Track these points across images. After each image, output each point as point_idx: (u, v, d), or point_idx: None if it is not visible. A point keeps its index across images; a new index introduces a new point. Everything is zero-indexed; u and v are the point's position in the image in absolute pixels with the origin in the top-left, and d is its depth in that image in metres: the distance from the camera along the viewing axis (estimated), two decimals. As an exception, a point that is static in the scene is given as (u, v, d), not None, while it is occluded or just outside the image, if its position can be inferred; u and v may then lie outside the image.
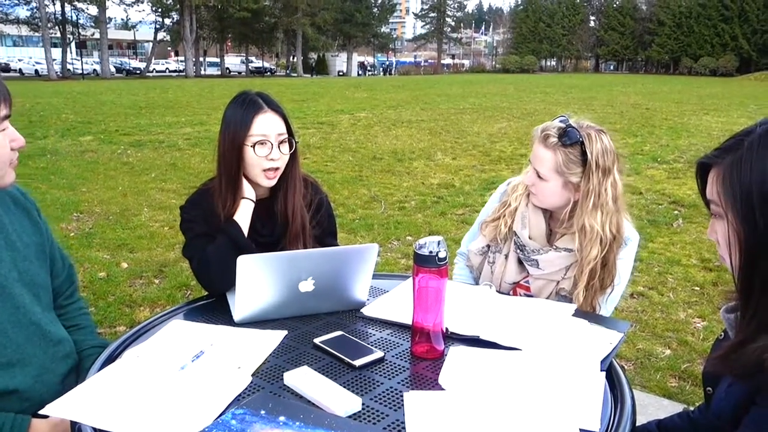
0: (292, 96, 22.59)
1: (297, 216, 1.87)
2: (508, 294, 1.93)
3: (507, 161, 9.20)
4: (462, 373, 1.30)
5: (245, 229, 1.79)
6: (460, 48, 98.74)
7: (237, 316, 1.57)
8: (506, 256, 1.97)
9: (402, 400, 1.20)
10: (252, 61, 65.93)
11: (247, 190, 1.81)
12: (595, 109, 18.00)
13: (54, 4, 46.40)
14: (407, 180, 7.92)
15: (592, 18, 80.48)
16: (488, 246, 2.02)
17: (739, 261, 0.99)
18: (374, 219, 5.98)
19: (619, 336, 1.48)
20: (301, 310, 1.61)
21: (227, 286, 1.71)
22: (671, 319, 3.75)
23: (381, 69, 75.76)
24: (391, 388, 1.26)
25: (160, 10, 53.57)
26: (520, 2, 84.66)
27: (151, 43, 59.62)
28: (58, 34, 47.72)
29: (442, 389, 1.25)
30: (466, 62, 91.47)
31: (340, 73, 63.19)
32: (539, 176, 1.81)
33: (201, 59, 59.62)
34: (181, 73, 53.50)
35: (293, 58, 63.59)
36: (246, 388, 1.24)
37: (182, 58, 55.18)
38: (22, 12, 46.35)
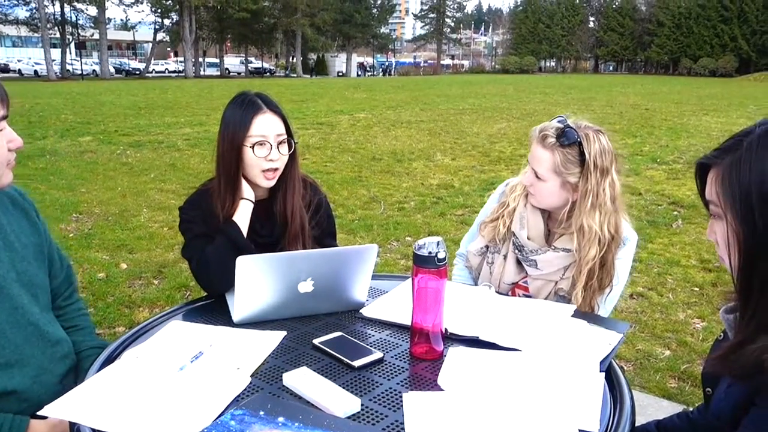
0: (292, 96, 22.59)
1: (296, 217, 1.86)
2: (507, 294, 1.93)
3: (506, 162, 9.20)
4: (461, 374, 1.30)
5: (244, 230, 1.79)
6: (459, 49, 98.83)
7: (236, 316, 1.56)
8: (505, 257, 1.97)
9: (401, 401, 1.20)
10: (251, 62, 65.96)
11: (246, 190, 1.81)
12: (595, 109, 18.01)
13: (53, 5, 46.43)
14: (406, 180, 7.92)
15: (592, 19, 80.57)
16: (487, 246, 2.03)
17: (738, 261, 0.99)
18: (373, 219, 5.98)
19: (618, 337, 1.48)
20: (301, 311, 1.61)
21: (226, 287, 1.71)
22: (671, 320, 3.75)
23: (380, 70, 75.78)
24: (391, 388, 1.26)
25: (159, 10, 53.59)
26: (519, 3, 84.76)
27: (150, 44, 59.63)
28: (58, 35, 47.74)
29: (442, 390, 1.25)
30: (466, 63, 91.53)
31: (340, 74, 63.22)
32: (537, 176, 1.81)
33: (200, 60, 59.67)
34: (180, 74, 53.51)
35: (292, 59, 63.61)
36: (245, 389, 1.24)
37: (182, 59, 55.20)
38: (22, 12, 46.44)
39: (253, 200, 1.82)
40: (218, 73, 59.09)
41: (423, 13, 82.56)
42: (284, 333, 1.51)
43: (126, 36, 74.07)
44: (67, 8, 46.64)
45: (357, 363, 1.34)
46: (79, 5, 46.79)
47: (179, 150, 10.14)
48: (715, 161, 1.00)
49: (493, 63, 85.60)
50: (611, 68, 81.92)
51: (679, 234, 5.52)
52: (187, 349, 1.40)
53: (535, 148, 1.81)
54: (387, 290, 1.81)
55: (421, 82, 41.33)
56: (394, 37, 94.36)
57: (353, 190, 7.30)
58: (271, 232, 1.88)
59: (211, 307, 1.72)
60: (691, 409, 1.48)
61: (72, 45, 51.12)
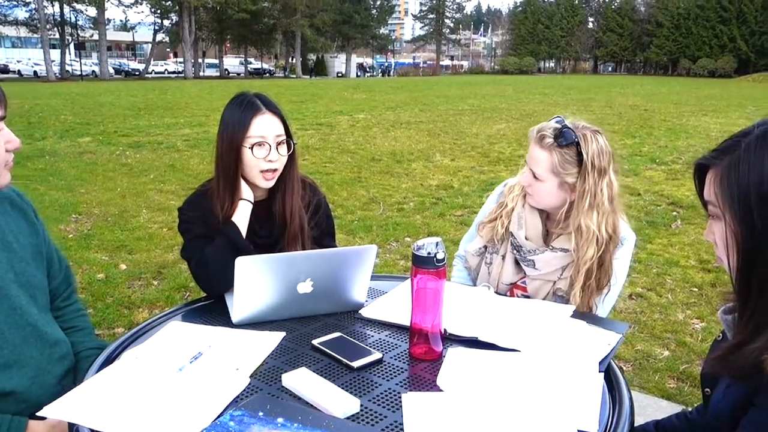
0: (291, 97, 22.60)
1: (295, 217, 1.87)
2: (506, 295, 1.93)
3: (506, 162, 9.20)
4: (460, 375, 1.30)
5: (243, 231, 1.79)
6: (458, 49, 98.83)
7: (235, 317, 1.56)
8: (503, 257, 1.97)
9: (400, 402, 1.20)
10: (251, 63, 65.99)
11: (245, 191, 1.81)
12: (594, 110, 18.03)
13: (53, 6, 46.42)
14: (406, 181, 7.92)
15: (591, 19, 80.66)
16: (485, 247, 2.03)
17: (737, 262, 0.99)
18: (373, 220, 5.98)
19: (617, 337, 1.48)
20: (300, 312, 1.61)
21: (226, 288, 1.71)
22: (670, 320, 3.75)
23: (379, 70, 75.77)
24: (390, 389, 1.26)
25: (158, 11, 53.59)
26: (518, 4, 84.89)
27: (149, 45, 59.60)
28: (57, 36, 47.71)
29: (441, 390, 1.25)
30: (465, 63, 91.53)
31: (339, 75, 63.23)
32: (535, 177, 1.81)
33: (200, 60, 59.67)
34: (179, 75, 53.52)
35: (292, 60, 63.61)
36: (244, 390, 1.24)
37: (181, 60, 55.22)
38: (21, 13, 46.47)
39: (252, 201, 1.82)
40: (218, 73, 59.10)
41: (422, 13, 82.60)
42: (283, 334, 1.51)
43: (125, 37, 74.05)
44: (66, 9, 46.66)
45: (356, 364, 1.34)
46: (78, 6, 46.83)
47: (178, 151, 10.14)
48: (713, 162, 1.01)
49: (493, 64, 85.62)
50: (610, 69, 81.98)
51: (678, 234, 5.53)
52: (186, 349, 1.40)
53: (532, 149, 1.81)
54: (386, 291, 1.81)
55: (420, 82, 41.35)
56: (393, 37, 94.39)
57: (352, 190, 7.30)
58: (270, 233, 1.88)
59: (211, 307, 1.72)
60: (689, 409, 1.48)
61: (71, 46, 51.13)
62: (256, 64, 68.06)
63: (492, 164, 9.15)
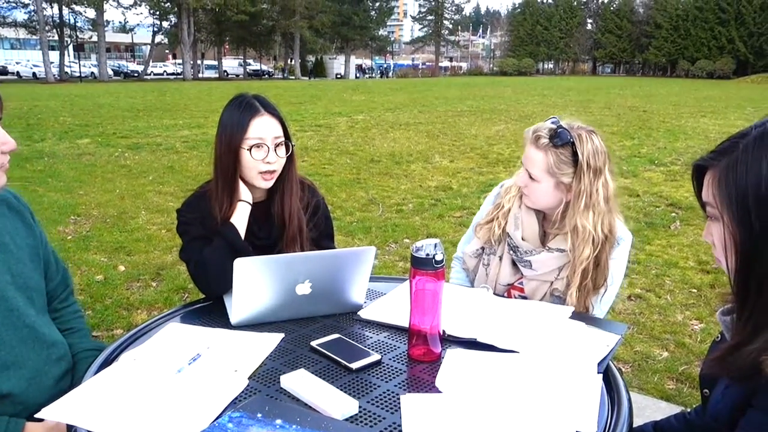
0: (290, 99, 22.60)
1: (294, 218, 1.87)
2: (503, 296, 1.94)
3: (505, 163, 9.21)
4: (459, 376, 1.30)
5: (242, 232, 1.79)
6: (457, 51, 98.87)
7: (234, 318, 1.56)
8: (500, 258, 1.98)
9: (399, 403, 1.20)
10: (250, 64, 65.98)
11: (244, 192, 1.81)
12: (593, 111, 18.04)
13: (51, 7, 46.39)
14: (405, 182, 7.92)
15: (590, 21, 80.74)
16: (483, 248, 2.03)
17: (735, 263, 0.99)
18: (372, 221, 5.98)
19: (616, 338, 1.48)
20: (298, 313, 1.61)
21: (224, 289, 1.71)
22: (669, 322, 3.75)
23: (378, 71, 75.78)
24: (388, 390, 1.26)
25: (157, 13, 53.58)
26: (517, 5, 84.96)
27: (148, 46, 59.60)
28: (56, 37, 47.68)
29: (439, 392, 1.25)
30: (464, 65, 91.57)
31: (338, 76, 63.22)
32: (531, 177, 1.82)
33: (199, 62, 59.66)
34: (178, 76, 53.49)
35: (291, 61, 63.60)
36: (243, 391, 1.24)
37: (180, 61, 55.15)
38: (20, 15, 46.43)
39: (251, 202, 1.82)
40: (216, 75, 59.13)
41: (421, 15, 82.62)
42: (282, 335, 1.51)
43: (124, 38, 74.06)
44: (65, 10, 46.63)
45: (355, 365, 1.34)
46: (77, 8, 46.79)
47: (177, 152, 10.14)
48: (711, 163, 1.01)
49: (492, 65, 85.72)
50: (609, 70, 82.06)
51: (677, 236, 5.53)
52: (184, 351, 1.40)
53: (528, 149, 1.82)
54: (385, 292, 1.81)
55: (419, 84, 41.36)
56: (392, 39, 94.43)
57: (351, 192, 7.30)
58: (268, 234, 1.88)
59: (209, 309, 1.72)
60: (688, 410, 1.48)
61: (70, 47, 51.19)
62: (255, 65, 68.04)
63: (491, 165, 9.16)
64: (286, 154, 1.83)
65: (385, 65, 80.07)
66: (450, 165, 9.19)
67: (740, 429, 1.07)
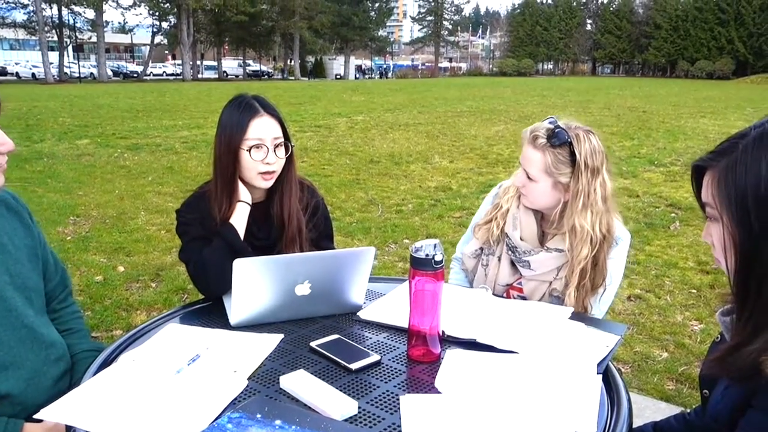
0: (290, 99, 22.61)
1: (293, 219, 1.87)
2: (502, 296, 1.94)
3: (504, 164, 9.21)
4: (458, 377, 1.30)
5: (241, 233, 1.79)
6: (457, 51, 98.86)
7: (233, 319, 1.56)
8: (499, 259, 1.98)
9: (398, 404, 1.20)
10: (249, 65, 65.96)
11: (243, 193, 1.81)
12: (592, 112, 18.05)
13: (51, 8, 46.36)
14: (404, 183, 7.92)
15: (589, 21, 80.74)
16: (481, 249, 2.03)
17: (735, 264, 0.99)
18: (371, 222, 5.98)
19: (615, 339, 1.48)
20: (298, 314, 1.61)
21: (224, 290, 1.71)
22: (668, 322, 3.75)
23: (378, 72, 75.77)
24: (388, 391, 1.26)
25: (157, 13, 53.57)
26: (516, 6, 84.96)
27: (148, 47, 59.61)
28: (55, 38, 47.66)
29: (439, 393, 1.25)
30: (464, 65, 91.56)
31: (338, 77, 63.22)
32: (529, 177, 1.82)
33: (198, 63, 59.65)
34: (178, 77, 53.48)
35: (290, 62, 63.60)
36: (242, 392, 1.24)
37: (179, 62, 55.12)
38: (19, 16, 46.38)
39: (250, 203, 1.82)
40: (216, 75, 59.11)
41: (421, 15, 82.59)
42: (281, 336, 1.51)
43: (124, 39, 74.05)
44: (64, 11, 46.60)
45: (354, 366, 1.34)
46: (76, 8, 46.77)
47: (177, 153, 10.14)
48: (710, 163, 1.01)
49: (491, 66, 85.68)
50: (608, 71, 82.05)
51: (676, 236, 5.53)
52: (184, 352, 1.40)
53: (526, 149, 1.82)
54: (384, 293, 1.81)
55: (419, 84, 41.37)
56: (392, 39, 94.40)
57: (351, 192, 7.30)
58: (268, 235, 1.88)
59: (209, 310, 1.72)
60: (688, 411, 1.48)
61: (70, 48, 51.15)
62: (254, 66, 68.02)
63: (490, 166, 9.16)
64: (286, 154, 1.83)
65: (384, 66, 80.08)
66: (449, 165, 9.19)
67: (740, 429, 1.07)
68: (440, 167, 9.03)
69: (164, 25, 56.08)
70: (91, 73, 50.69)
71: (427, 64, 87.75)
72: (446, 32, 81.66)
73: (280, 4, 54.65)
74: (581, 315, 1.72)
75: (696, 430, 1.37)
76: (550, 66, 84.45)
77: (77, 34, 49.22)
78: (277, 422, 1.09)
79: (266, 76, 64.78)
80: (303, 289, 1.56)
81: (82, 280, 4.31)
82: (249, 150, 1.75)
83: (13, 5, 44.91)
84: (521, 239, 1.91)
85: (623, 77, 68.17)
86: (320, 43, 62.24)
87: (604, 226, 1.79)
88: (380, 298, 1.77)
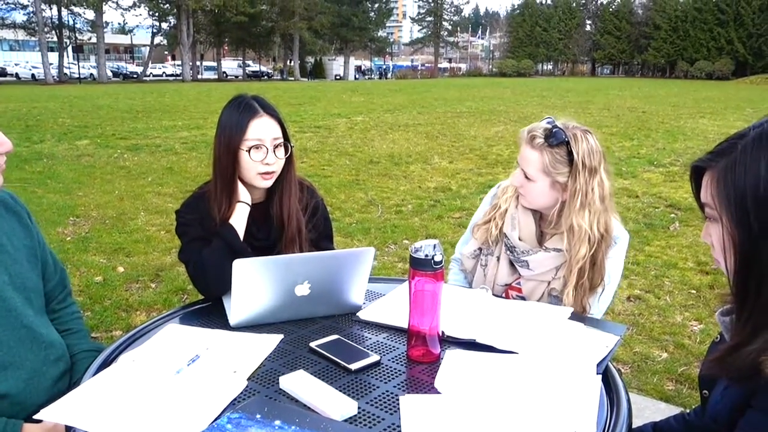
0: (289, 100, 22.61)
1: (293, 219, 1.87)
2: (501, 296, 1.94)
3: (504, 165, 9.21)
4: (458, 377, 1.30)
5: (241, 233, 1.79)
6: (457, 52, 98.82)
7: (233, 320, 1.56)
8: (498, 259, 1.98)
9: (398, 404, 1.20)
10: (249, 65, 65.95)
11: (243, 193, 1.81)
12: (592, 112, 18.05)
13: (50, 9, 46.35)
14: (404, 184, 7.92)
15: (589, 22, 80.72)
16: (480, 249, 2.03)
17: (734, 264, 0.99)
18: (371, 223, 5.98)
19: (615, 339, 1.48)
20: (297, 314, 1.61)
21: (223, 290, 1.71)
22: (668, 323, 3.75)
23: (377, 73, 75.75)
24: (387, 391, 1.26)
25: (157, 14, 53.55)
26: (516, 6, 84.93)
27: (148, 48, 59.61)
28: (55, 39, 47.65)
29: (438, 393, 1.25)
30: (463, 66, 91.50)
31: (337, 77, 63.21)
32: (527, 177, 1.82)
33: (198, 63, 59.64)
34: (178, 77, 53.48)
35: (290, 62, 63.58)
36: (242, 392, 1.24)
37: (179, 62, 55.09)
38: (19, 16, 46.36)
39: (250, 203, 1.82)
40: (216, 76, 59.09)
41: (420, 16, 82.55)
42: (281, 336, 1.51)
43: (123, 40, 74.08)
44: (64, 12, 46.58)
45: (354, 366, 1.34)
46: (76, 9, 46.75)
47: (176, 153, 10.14)
48: (709, 164, 1.01)
49: (491, 66, 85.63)
50: (608, 71, 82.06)
51: (676, 236, 5.53)
52: (183, 352, 1.40)
53: (524, 149, 1.83)
54: (384, 293, 1.81)
55: (418, 85, 41.37)
56: (391, 40, 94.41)
57: (351, 193, 7.30)
58: (267, 235, 1.88)
59: (208, 310, 1.72)
60: (688, 411, 1.48)
61: (69, 49, 51.12)
62: (254, 66, 67.98)
63: (490, 166, 9.16)
64: (285, 155, 1.83)
65: (384, 66, 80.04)
66: (449, 166, 9.19)
67: (739, 430, 1.07)
68: (440, 168, 9.04)
69: (164, 25, 56.06)
70: (91, 74, 50.66)
71: (426, 64, 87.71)
72: (446, 33, 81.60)
73: (280, 5, 54.65)
74: (581, 315, 1.72)
75: (695, 430, 1.37)
76: (550, 67, 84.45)
77: (77, 34, 49.20)
78: (277, 422, 1.09)
79: (266, 77, 64.73)
80: (303, 290, 1.56)
81: (82, 281, 4.31)
82: (248, 150, 1.75)
83: (13, 6, 44.92)
84: (520, 239, 1.91)
85: (623, 78, 68.18)
86: (320, 43, 62.19)
87: (602, 226, 1.79)
88: (380, 298, 1.77)
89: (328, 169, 8.82)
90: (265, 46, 62.09)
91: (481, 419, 1.14)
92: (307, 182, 2.02)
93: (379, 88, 34.42)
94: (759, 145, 0.94)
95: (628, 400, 1.25)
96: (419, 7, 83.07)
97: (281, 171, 1.84)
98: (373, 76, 73.42)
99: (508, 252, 1.95)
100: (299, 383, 1.25)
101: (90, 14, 47.78)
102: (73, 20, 48.10)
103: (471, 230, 2.09)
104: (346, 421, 1.15)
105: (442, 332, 1.43)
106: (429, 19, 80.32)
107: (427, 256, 1.30)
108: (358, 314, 1.65)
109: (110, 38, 66.89)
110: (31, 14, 44.91)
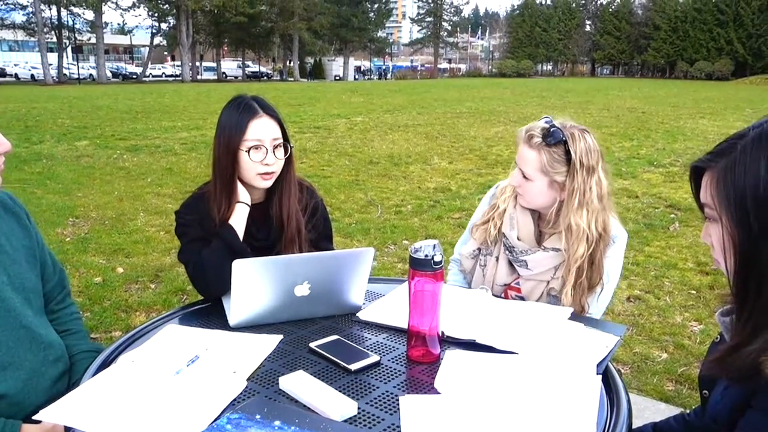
0: (289, 100, 22.61)
1: (292, 220, 1.87)
2: (500, 296, 1.94)
3: (503, 165, 9.20)
4: (458, 377, 1.30)
5: (240, 233, 1.79)
6: (456, 52, 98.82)
7: (232, 320, 1.56)
8: (497, 259, 1.98)
9: (398, 404, 1.20)
10: (248, 66, 65.95)
11: (242, 194, 1.81)
12: (592, 113, 18.05)
13: (50, 9, 46.34)
14: (404, 184, 7.92)
15: (588, 22, 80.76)
16: (479, 249, 2.03)
17: (734, 264, 0.98)
18: (371, 223, 5.98)
19: (615, 340, 1.48)
20: (297, 315, 1.61)
21: (223, 291, 1.71)
22: (668, 323, 3.75)
23: (377, 73, 75.74)
24: (387, 392, 1.25)
25: (156, 14, 53.56)
26: (516, 7, 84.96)
27: (147, 48, 59.63)
28: (54, 39, 47.65)
29: (438, 393, 1.25)
30: (463, 66, 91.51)
31: (337, 78, 63.21)
32: (525, 177, 1.83)
33: (197, 64, 59.63)
34: (177, 78, 53.48)
35: (290, 63, 63.58)
36: (241, 393, 1.24)
37: (179, 63, 55.12)
38: (18, 17, 46.36)
39: (249, 204, 1.82)
40: (215, 77, 59.08)
41: (420, 17, 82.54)
42: (281, 336, 1.50)
43: (123, 40, 74.07)
44: (63, 12, 46.57)
45: (353, 366, 1.34)
46: (75, 9, 46.75)
47: (176, 154, 10.14)
48: (709, 164, 1.01)
49: (490, 66, 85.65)
50: (608, 72, 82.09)
51: (676, 237, 5.53)
52: (183, 352, 1.40)
53: (521, 149, 1.83)
54: (384, 294, 1.81)
55: (418, 85, 41.37)
56: (391, 41, 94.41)
57: (350, 193, 7.30)
58: (267, 236, 1.88)
59: (208, 310, 1.72)
60: (688, 411, 1.48)
61: (69, 49, 51.12)
62: (253, 67, 67.97)
63: (490, 167, 9.16)
64: (285, 155, 1.83)
65: (383, 67, 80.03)
66: (449, 166, 9.19)
67: (739, 430, 1.07)
68: (439, 168, 9.04)
69: (163, 26, 56.09)
70: (90, 75, 50.66)
71: (426, 65, 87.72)
72: (445, 33, 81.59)
73: (279, 6, 54.67)
74: (580, 316, 1.72)
75: (695, 430, 1.37)
76: (550, 67, 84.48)
77: (76, 35, 49.23)
78: (277, 423, 1.09)
79: (265, 78, 64.70)
80: (302, 290, 1.56)
81: (81, 282, 4.31)
82: (248, 151, 1.75)
83: (12, 6, 44.92)
84: (518, 239, 1.91)
85: (622, 78, 68.20)
86: (319, 44, 62.18)
87: (600, 225, 1.79)
88: (380, 298, 1.77)
89: (327, 170, 8.82)
90: (264, 46, 62.12)
91: (481, 420, 1.14)
92: (307, 183, 2.02)
93: (379, 89, 34.42)
94: (758, 146, 0.94)
95: (628, 401, 1.25)
96: (419, 7, 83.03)
97: (281, 171, 1.84)
98: (372, 76, 73.40)
99: (507, 252, 1.95)
100: (299, 384, 1.25)
101: (89, 15, 47.82)
102: (73, 21, 48.13)
103: (470, 230, 2.09)
104: (345, 421, 1.14)
105: (442, 332, 1.43)
106: (428, 19, 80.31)
107: (426, 256, 1.30)
108: (357, 314, 1.65)
109: (110, 39, 66.88)
110: (31, 15, 44.92)
